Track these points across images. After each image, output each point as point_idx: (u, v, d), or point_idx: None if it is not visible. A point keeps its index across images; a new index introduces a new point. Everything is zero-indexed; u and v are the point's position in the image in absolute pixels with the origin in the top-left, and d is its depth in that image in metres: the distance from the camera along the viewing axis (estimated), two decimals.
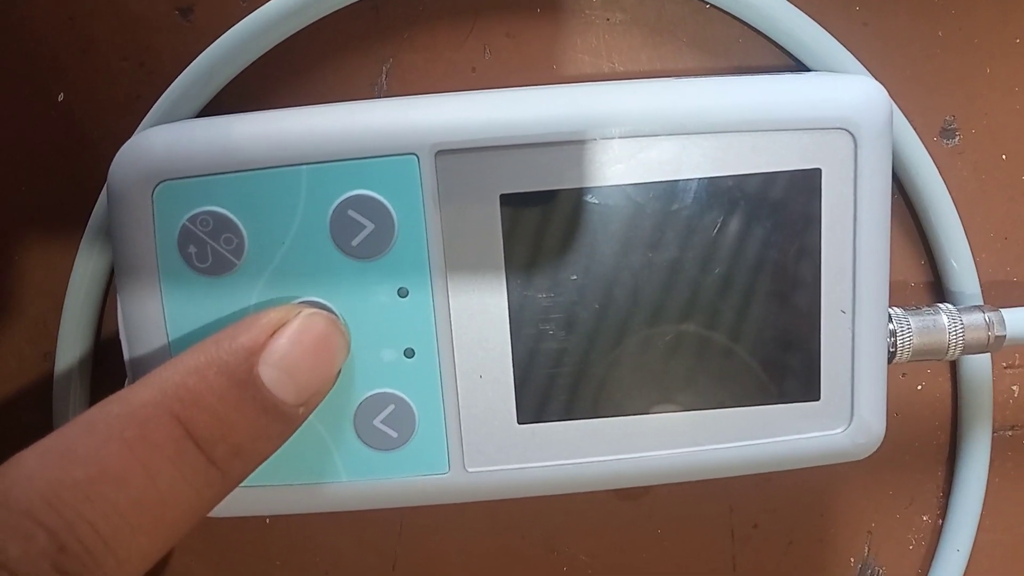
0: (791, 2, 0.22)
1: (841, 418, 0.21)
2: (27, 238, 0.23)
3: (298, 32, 0.22)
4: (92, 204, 0.23)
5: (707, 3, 0.23)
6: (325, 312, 0.19)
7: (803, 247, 0.20)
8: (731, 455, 0.21)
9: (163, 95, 0.22)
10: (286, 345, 0.18)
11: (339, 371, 0.19)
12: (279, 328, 0.18)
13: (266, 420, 0.17)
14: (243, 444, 0.17)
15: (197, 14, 0.22)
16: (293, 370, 0.18)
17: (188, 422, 0.16)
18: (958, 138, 0.24)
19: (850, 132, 0.19)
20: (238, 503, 0.20)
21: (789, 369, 0.20)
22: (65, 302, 0.23)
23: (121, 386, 0.17)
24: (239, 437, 0.17)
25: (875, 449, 0.21)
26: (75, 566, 0.15)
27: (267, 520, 0.25)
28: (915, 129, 0.23)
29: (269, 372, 0.17)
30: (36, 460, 0.15)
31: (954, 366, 0.25)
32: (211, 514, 0.17)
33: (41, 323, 0.24)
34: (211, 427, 0.16)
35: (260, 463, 0.18)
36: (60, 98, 0.23)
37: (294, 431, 0.18)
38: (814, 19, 0.22)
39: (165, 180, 0.19)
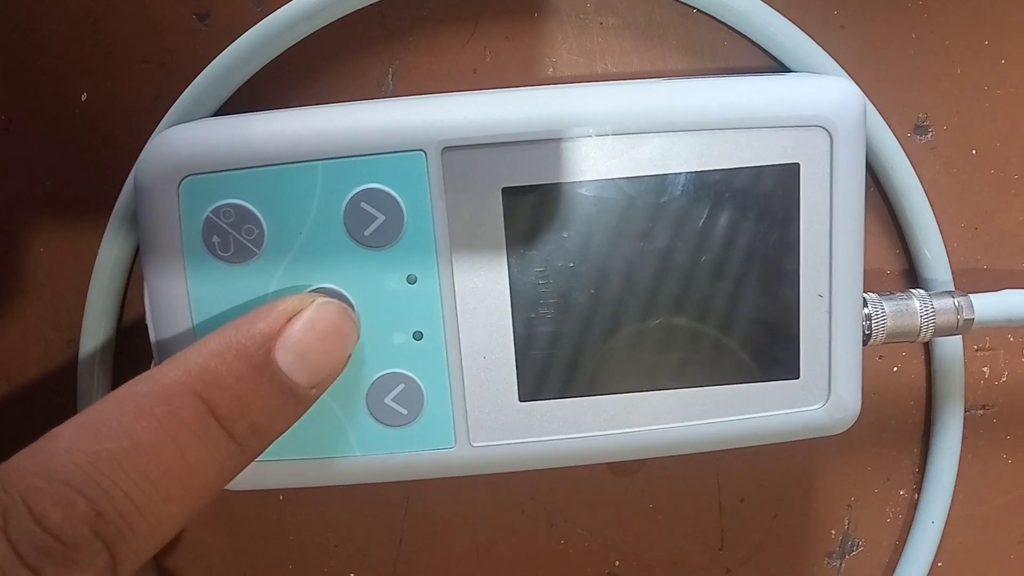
0: (773, 7, 0.23)
1: (819, 395, 0.22)
2: (52, 229, 0.24)
3: (309, 36, 0.23)
4: (114, 197, 0.23)
5: (694, 8, 0.23)
6: (337, 301, 0.20)
7: (783, 236, 0.21)
8: (718, 430, 0.22)
9: (182, 95, 0.22)
10: (300, 332, 0.18)
11: (349, 356, 0.20)
12: (294, 315, 0.19)
13: (281, 400, 0.18)
14: (260, 421, 0.18)
15: (214, 19, 0.23)
16: (306, 354, 0.18)
17: (210, 401, 0.17)
18: (931, 134, 0.25)
19: (826, 129, 0.20)
20: (260, 476, 0.21)
21: (770, 349, 0.21)
22: (89, 290, 0.24)
23: (144, 370, 0.18)
24: (256, 415, 0.18)
25: (851, 424, 0.22)
26: (111, 531, 0.16)
27: (280, 496, 0.26)
28: (890, 126, 0.24)
29: (284, 356, 0.18)
30: (73, 433, 0.16)
31: (928, 349, 0.26)
32: (240, 486, 0.18)
33: (65, 311, 0.24)
34: (231, 406, 0.17)
35: (275, 439, 0.19)
36: (84, 98, 0.23)
37: (306, 410, 0.19)
38: (794, 23, 0.23)
39: (190, 175, 0.20)
